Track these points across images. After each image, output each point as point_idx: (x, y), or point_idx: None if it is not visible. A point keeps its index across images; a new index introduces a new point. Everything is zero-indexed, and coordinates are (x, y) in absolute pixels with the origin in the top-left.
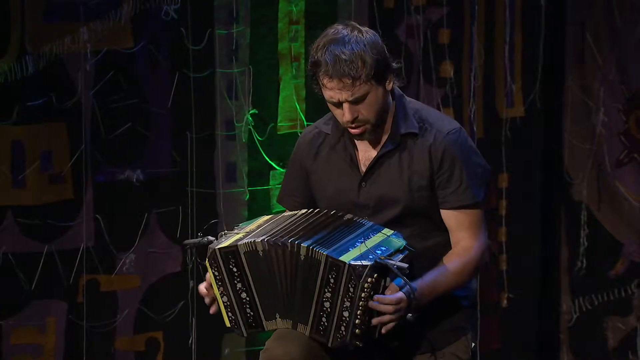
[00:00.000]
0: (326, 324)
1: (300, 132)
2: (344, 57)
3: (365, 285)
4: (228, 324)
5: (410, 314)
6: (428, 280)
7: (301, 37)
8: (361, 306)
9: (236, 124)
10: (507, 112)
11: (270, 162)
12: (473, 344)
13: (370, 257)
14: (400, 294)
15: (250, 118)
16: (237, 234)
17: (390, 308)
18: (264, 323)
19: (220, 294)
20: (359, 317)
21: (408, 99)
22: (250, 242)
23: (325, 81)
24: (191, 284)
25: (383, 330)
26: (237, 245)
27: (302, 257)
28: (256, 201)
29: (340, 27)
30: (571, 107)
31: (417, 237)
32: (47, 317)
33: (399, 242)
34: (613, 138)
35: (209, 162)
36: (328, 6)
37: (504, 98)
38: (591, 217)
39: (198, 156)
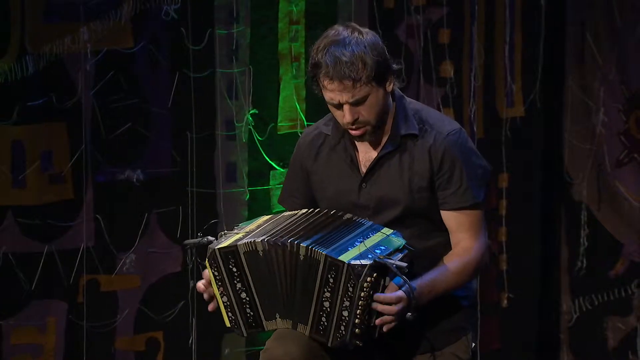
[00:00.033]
0: (326, 323)
1: (301, 132)
2: (344, 59)
3: (365, 284)
4: (228, 324)
5: (409, 313)
6: (427, 279)
7: (301, 37)
8: (361, 306)
9: (236, 124)
10: (507, 112)
11: (270, 162)
12: (473, 344)
13: (370, 256)
14: (400, 293)
15: (250, 118)
16: (237, 234)
17: (391, 308)
18: (263, 323)
19: (220, 294)
20: (358, 316)
21: (408, 99)
22: (250, 242)
23: (325, 83)
24: (191, 284)
25: (384, 329)
26: (236, 245)
27: (302, 257)
28: (256, 201)
29: (340, 28)
30: (571, 107)
31: (417, 237)
32: (47, 317)
33: (398, 241)
34: (613, 138)
35: (209, 162)
36: (328, 6)
37: (504, 98)
38: (591, 217)
39: (198, 156)
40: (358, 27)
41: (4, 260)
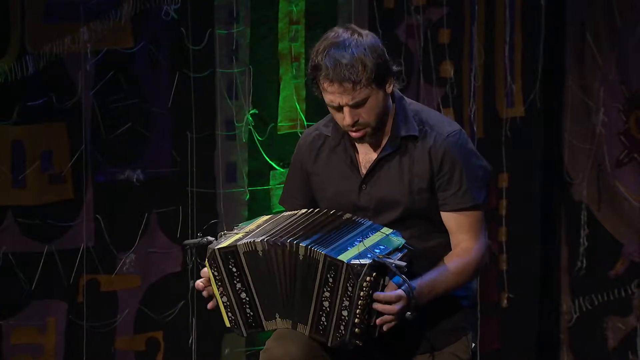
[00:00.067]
0: (325, 323)
1: (301, 132)
2: (344, 61)
3: (364, 284)
4: (228, 324)
5: (409, 313)
6: (427, 279)
7: (301, 37)
8: (360, 305)
9: (236, 124)
10: (507, 112)
11: (270, 162)
12: (473, 344)
13: (369, 256)
14: (400, 292)
15: (250, 118)
16: (237, 234)
17: (391, 308)
18: (263, 323)
19: (220, 294)
20: (358, 316)
21: (408, 100)
22: (250, 242)
23: (325, 85)
24: (191, 284)
25: (385, 328)
26: (236, 245)
27: (301, 257)
28: (256, 201)
29: (340, 30)
30: (571, 107)
31: (417, 238)
32: (47, 317)
33: (397, 240)
34: (613, 138)
35: (209, 162)
36: (328, 6)
37: (504, 98)
38: (591, 217)
39: (198, 156)
40: (358, 29)
41: (4, 260)
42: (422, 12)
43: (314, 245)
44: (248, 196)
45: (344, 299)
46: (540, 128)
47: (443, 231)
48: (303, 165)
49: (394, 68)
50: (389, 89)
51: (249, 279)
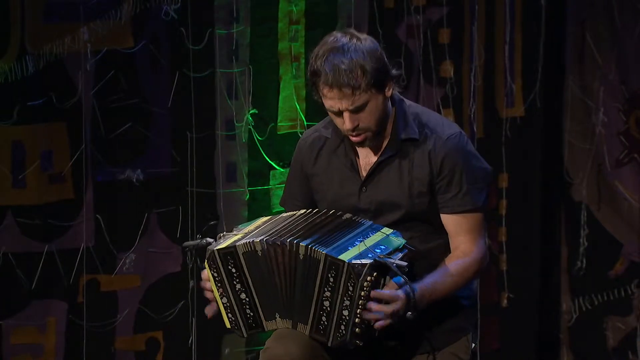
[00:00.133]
0: (326, 323)
1: (301, 133)
2: (343, 66)
3: (365, 283)
4: (228, 325)
5: (409, 312)
6: (428, 283)
7: (301, 37)
8: (361, 305)
9: (236, 124)
10: (507, 112)
11: (270, 162)
12: (473, 344)
13: (370, 255)
14: (397, 292)
15: (250, 118)
16: (236, 235)
17: (385, 308)
18: (264, 323)
19: (220, 296)
20: (358, 316)
21: (408, 102)
22: (249, 242)
23: (325, 91)
24: (191, 283)
25: (376, 326)
26: (235, 246)
27: (301, 257)
28: (256, 201)
29: (339, 35)
30: (571, 107)
31: (417, 239)
32: (47, 317)
33: (398, 241)
34: (613, 138)
35: (209, 162)
36: (328, 6)
37: (504, 98)
38: (591, 217)
39: (198, 156)
40: (356, 33)
41: (4, 260)
42: (422, 12)
43: (314, 245)
44: (248, 196)
45: (345, 298)
46: (540, 128)
47: (443, 233)
48: (303, 166)
49: (393, 72)
50: (389, 93)
51: (249, 279)
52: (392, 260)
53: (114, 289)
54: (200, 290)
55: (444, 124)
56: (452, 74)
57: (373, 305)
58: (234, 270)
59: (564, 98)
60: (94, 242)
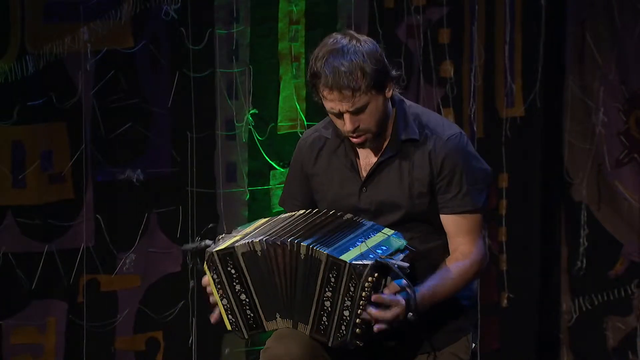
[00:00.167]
0: (326, 323)
1: (301, 133)
2: (343, 69)
3: (366, 284)
4: (229, 327)
5: (410, 314)
6: (429, 287)
7: (301, 37)
8: (362, 305)
9: (236, 124)
10: (507, 112)
11: (270, 162)
12: (473, 344)
13: (371, 256)
14: (398, 296)
15: (250, 118)
16: (235, 236)
17: (387, 315)
18: (264, 324)
19: (220, 297)
20: (359, 316)
21: (408, 103)
22: (248, 242)
23: (325, 93)
24: (191, 283)
25: (375, 329)
26: (234, 246)
27: (302, 256)
28: (256, 201)
29: (339, 36)
30: (571, 107)
31: (418, 240)
32: (47, 317)
33: (399, 241)
34: (613, 138)
35: (209, 162)
36: (328, 6)
37: (504, 98)
38: (591, 217)
39: (198, 156)
40: (356, 34)
41: (4, 260)
42: (422, 12)
43: (316, 245)
44: (248, 196)
45: (346, 299)
46: (540, 128)
47: (443, 233)
48: (303, 166)
49: (393, 73)
50: (389, 94)
51: (248, 280)
52: (394, 261)
53: (114, 289)
54: (200, 290)
55: (444, 125)
56: (452, 74)
57: (373, 311)
58: (233, 271)
59: (564, 98)
60: (94, 242)
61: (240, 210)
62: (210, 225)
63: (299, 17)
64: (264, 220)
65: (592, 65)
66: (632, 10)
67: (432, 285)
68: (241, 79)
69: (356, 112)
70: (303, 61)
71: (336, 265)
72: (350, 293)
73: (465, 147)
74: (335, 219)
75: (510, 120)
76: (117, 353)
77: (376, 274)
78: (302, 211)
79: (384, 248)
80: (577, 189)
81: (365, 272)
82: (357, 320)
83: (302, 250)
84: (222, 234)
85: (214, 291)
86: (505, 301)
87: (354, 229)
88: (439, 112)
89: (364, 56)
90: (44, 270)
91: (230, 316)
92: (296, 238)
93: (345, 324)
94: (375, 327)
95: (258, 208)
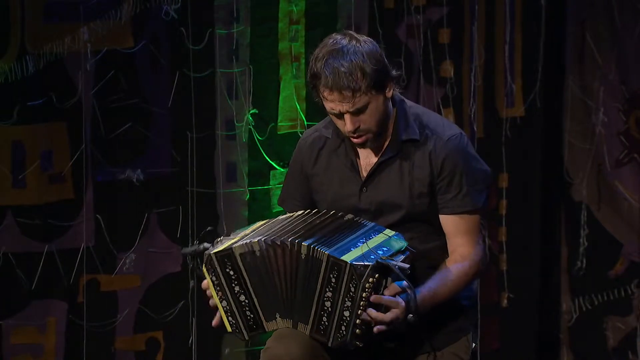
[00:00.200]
0: (327, 323)
1: (301, 133)
2: (343, 69)
3: (367, 285)
4: (229, 329)
5: (411, 315)
6: (428, 289)
7: (301, 37)
8: (362, 306)
9: (236, 124)
10: (507, 112)
11: (270, 162)
12: (473, 344)
13: (372, 257)
14: (398, 298)
15: (250, 118)
16: (233, 238)
17: (387, 317)
18: (264, 324)
19: (219, 299)
20: (359, 317)
21: (409, 103)
22: (246, 243)
23: (325, 94)
24: (191, 283)
25: (375, 330)
26: (232, 248)
27: (303, 256)
28: (256, 201)
29: (338, 37)
30: (571, 107)
31: (417, 240)
32: (47, 317)
33: (400, 243)
34: (613, 138)
35: (209, 162)
36: (328, 6)
37: (504, 98)
38: (591, 217)
39: (198, 156)
40: (355, 35)
41: (4, 260)
42: (422, 12)
43: (316, 245)
44: (248, 196)
45: (346, 299)
46: (540, 128)
47: (442, 234)
48: (303, 166)
49: (393, 72)
50: (389, 94)
51: (247, 281)
52: (395, 262)
53: (114, 289)
54: (200, 290)
55: (445, 125)
56: (452, 74)
57: (372, 313)
58: (231, 272)
59: (564, 98)
60: (94, 242)
61: (240, 210)
62: (209, 228)
63: (299, 17)
64: (261, 222)
65: (592, 65)
66: (632, 10)
67: (432, 287)
68: (241, 79)
69: (356, 113)
70: (303, 61)
71: (337, 265)
72: (351, 294)
73: (465, 147)
74: (335, 220)
75: (510, 120)
76: (117, 353)
77: (377, 275)
78: (299, 212)
79: (384, 249)
80: (577, 189)
81: (366, 273)
82: (357, 321)
83: (303, 250)
84: (220, 237)
85: (214, 293)
86: (505, 301)
87: (354, 229)
88: (439, 112)
89: (363, 56)
90: (44, 270)
91: (230, 318)
92: (296, 238)
93: (345, 324)
94: (375, 328)
95: (258, 208)
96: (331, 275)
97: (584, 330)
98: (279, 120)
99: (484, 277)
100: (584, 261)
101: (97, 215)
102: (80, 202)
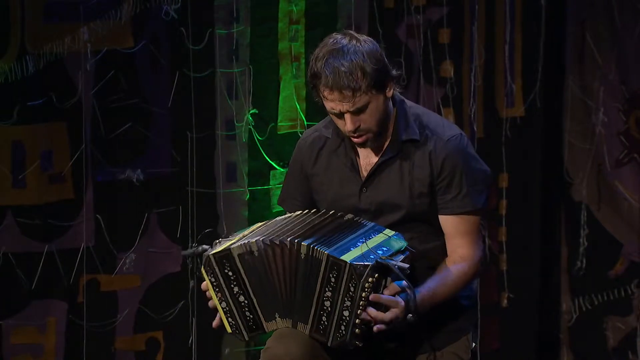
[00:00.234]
0: (326, 323)
1: (301, 132)
2: (343, 69)
3: (366, 285)
4: (229, 330)
5: (410, 315)
6: (428, 289)
7: (301, 37)
8: (362, 306)
9: (236, 124)
10: (507, 112)
11: (270, 162)
12: (473, 344)
13: (372, 257)
14: (397, 297)
15: (250, 118)
16: (232, 239)
17: (386, 317)
18: (264, 324)
19: (219, 301)
20: (359, 316)
21: (409, 103)
22: (244, 244)
23: (325, 93)
24: (191, 283)
25: (374, 330)
26: (230, 248)
27: (303, 256)
28: (256, 201)
29: (339, 36)
30: (571, 107)
31: (417, 240)
32: (47, 317)
33: (399, 242)
34: (613, 138)
35: (209, 162)
36: (328, 6)
37: (504, 98)
38: (591, 217)
39: (198, 156)
40: (356, 34)
41: (4, 260)
42: (422, 12)
43: (316, 245)
44: (248, 196)
45: (346, 299)
46: (540, 128)
47: (442, 233)
48: (303, 166)
49: (394, 72)
50: (389, 93)
51: (246, 281)
52: (394, 262)
53: (114, 289)
54: (200, 291)
55: (445, 126)
56: (452, 74)
57: (372, 312)
58: (230, 273)
59: (564, 98)
60: (94, 242)
61: (240, 210)
62: (208, 229)
63: (299, 17)
64: (259, 224)
65: (592, 65)
66: (632, 10)
67: (431, 287)
68: (241, 79)
69: (357, 112)
70: (303, 61)
71: (337, 265)
72: (350, 293)
73: (465, 148)
74: (335, 219)
75: (510, 120)
76: (117, 353)
77: (376, 275)
78: (298, 212)
79: (384, 249)
80: (577, 189)
81: (366, 273)
82: (357, 321)
83: (303, 250)
84: (219, 238)
85: (213, 295)
86: (505, 301)
87: (354, 229)
88: (439, 112)
89: (364, 56)
90: (44, 270)
91: (230, 319)
92: (296, 238)
93: (344, 324)
94: (375, 328)
95: (258, 208)
96: (331, 275)
97: (584, 330)
98: (279, 120)
99: (484, 277)
100: (584, 261)
101: (97, 215)
102: (80, 202)
